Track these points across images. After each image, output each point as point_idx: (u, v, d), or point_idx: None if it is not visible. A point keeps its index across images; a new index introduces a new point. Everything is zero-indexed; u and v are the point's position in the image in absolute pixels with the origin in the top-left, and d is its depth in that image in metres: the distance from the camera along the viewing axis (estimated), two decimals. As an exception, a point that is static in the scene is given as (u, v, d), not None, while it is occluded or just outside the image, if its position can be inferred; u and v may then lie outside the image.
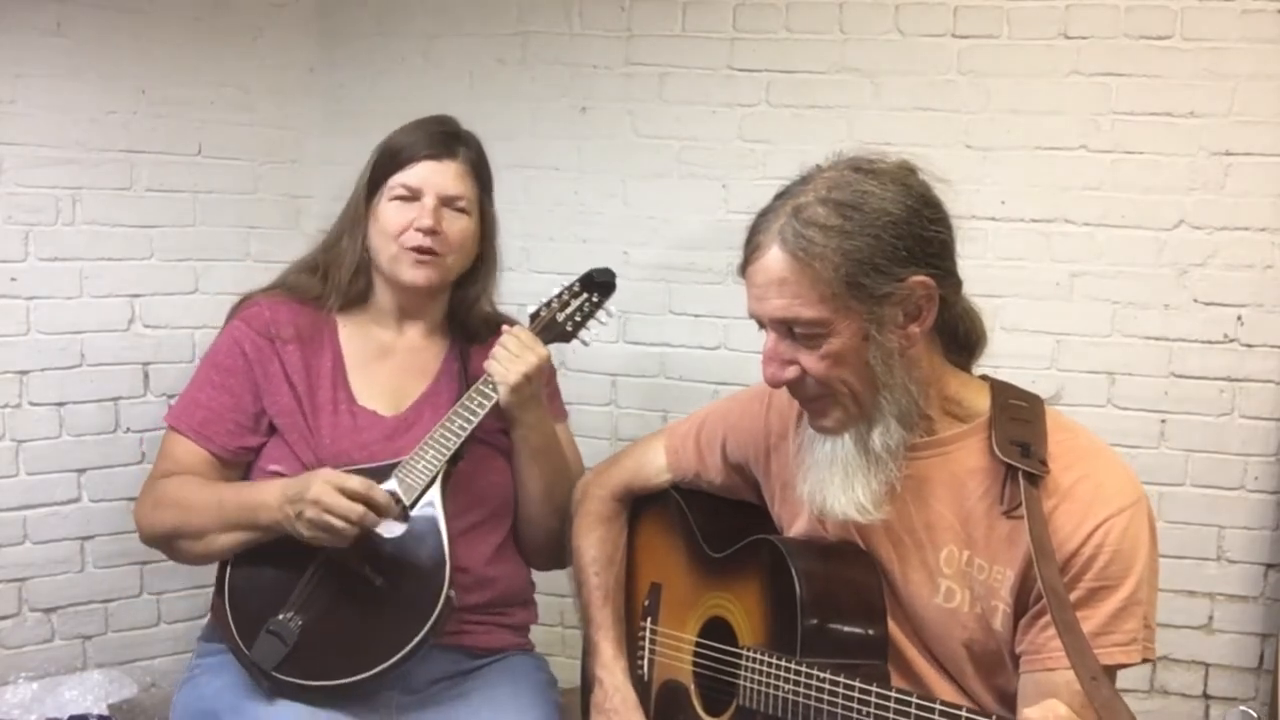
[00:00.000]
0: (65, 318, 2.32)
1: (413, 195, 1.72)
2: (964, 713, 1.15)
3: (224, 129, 2.48)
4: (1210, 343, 2.30)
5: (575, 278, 1.76)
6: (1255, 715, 1.19)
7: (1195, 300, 2.30)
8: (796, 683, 1.33)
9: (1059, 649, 1.21)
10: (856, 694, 1.26)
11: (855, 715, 1.25)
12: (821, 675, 1.29)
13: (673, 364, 2.57)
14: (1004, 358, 2.24)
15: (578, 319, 1.74)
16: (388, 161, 1.75)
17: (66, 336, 2.33)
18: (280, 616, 1.59)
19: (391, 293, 1.79)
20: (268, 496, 1.60)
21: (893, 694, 1.22)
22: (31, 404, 2.30)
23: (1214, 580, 2.34)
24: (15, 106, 2.23)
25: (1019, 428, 1.33)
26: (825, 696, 1.29)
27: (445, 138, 1.76)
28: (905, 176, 1.32)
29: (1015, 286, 2.36)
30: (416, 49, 2.60)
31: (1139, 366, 2.33)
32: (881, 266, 1.26)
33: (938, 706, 1.17)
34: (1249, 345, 2.28)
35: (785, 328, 1.31)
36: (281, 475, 1.66)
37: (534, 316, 1.75)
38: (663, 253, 2.53)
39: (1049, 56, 2.30)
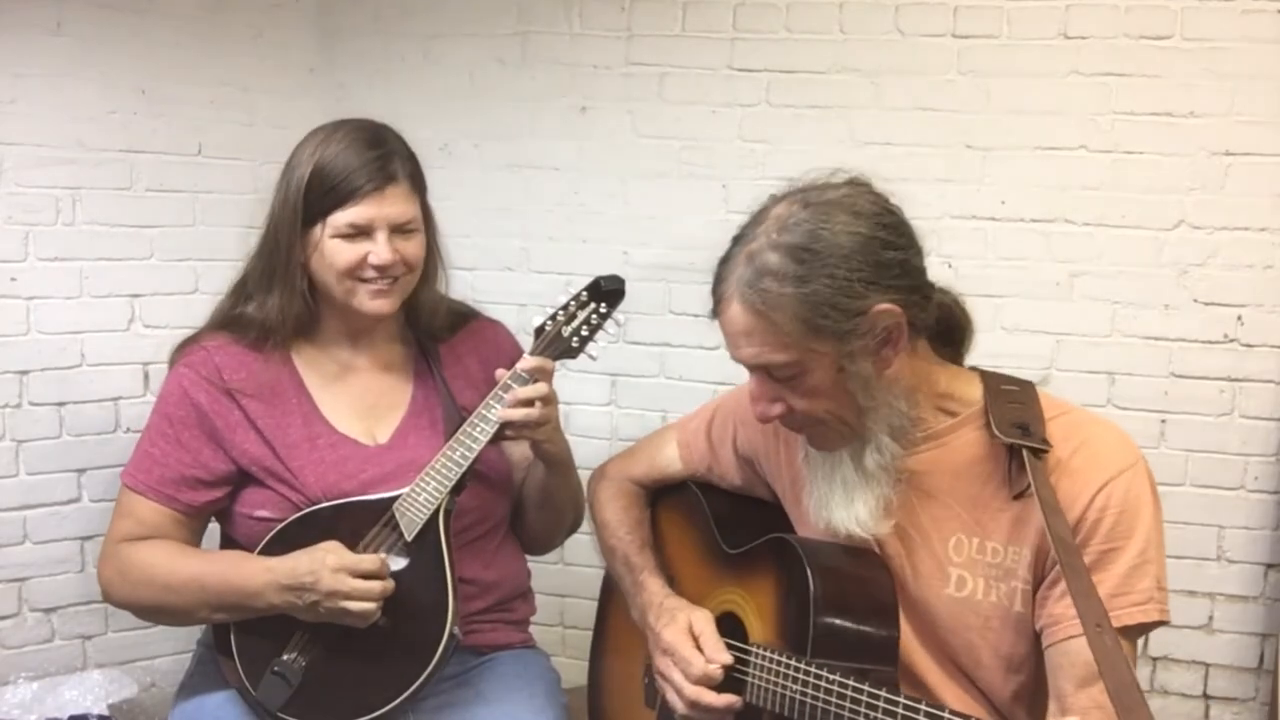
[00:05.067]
0: (65, 318, 2.32)
1: (360, 232, 1.59)
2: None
3: (224, 129, 2.48)
4: (1210, 343, 2.30)
5: (582, 286, 1.64)
6: None
7: (1195, 300, 2.30)
8: (805, 683, 1.33)
9: (1075, 616, 1.21)
10: (865, 697, 1.25)
11: (862, 719, 1.25)
12: (830, 677, 1.29)
13: (673, 364, 2.57)
14: (1004, 358, 2.22)
15: (584, 333, 1.64)
16: (323, 195, 1.58)
17: (66, 336, 2.33)
18: (285, 657, 1.56)
19: (343, 318, 1.69)
20: (258, 584, 1.53)
21: (901, 699, 1.22)
22: (31, 404, 2.30)
23: (1214, 580, 2.35)
24: (15, 106, 2.23)
25: (1016, 410, 1.35)
26: (834, 699, 1.29)
27: (381, 162, 1.59)
28: (855, 202, 1.30)
29: (1015, 286, 2.36)
30: (416, 49, 2.60)
31: (1139, 366, 2.33)
32: (841, 304, 1.25)
33: (945, 714, 1.17)
34: (1249, 345, 2.29)
35: (764, 371, 1.34)
36: (270, 521, 1.61)
37: (539, 331, 1.64)
38: (663, 253, 2.53)
39: (1049, 56, 2.30)
